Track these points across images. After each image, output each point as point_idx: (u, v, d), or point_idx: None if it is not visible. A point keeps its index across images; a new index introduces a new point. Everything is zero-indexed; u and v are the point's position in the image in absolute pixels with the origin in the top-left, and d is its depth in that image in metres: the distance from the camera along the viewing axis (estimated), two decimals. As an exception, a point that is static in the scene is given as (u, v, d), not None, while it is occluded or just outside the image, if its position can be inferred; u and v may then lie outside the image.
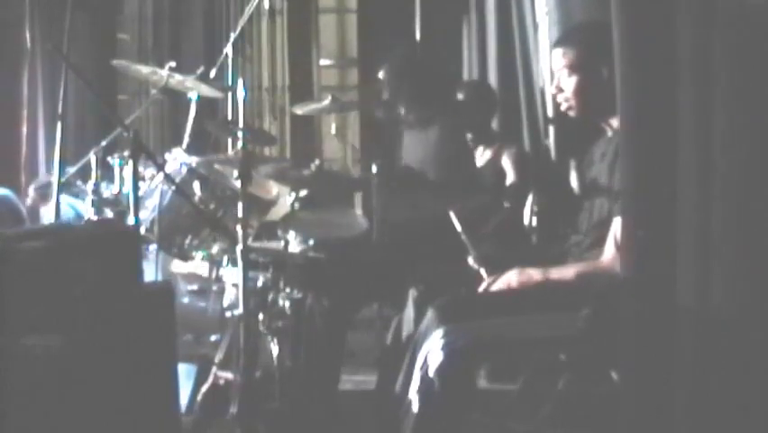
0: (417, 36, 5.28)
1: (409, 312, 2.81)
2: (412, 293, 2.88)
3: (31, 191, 4.47)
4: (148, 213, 3.24)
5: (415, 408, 2.33)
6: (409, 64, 3.57)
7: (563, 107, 2.57)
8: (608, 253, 2.38)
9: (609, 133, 2.52)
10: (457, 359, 2.30)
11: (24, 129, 5.18)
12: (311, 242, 3.09)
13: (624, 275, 2.13)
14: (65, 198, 3.64)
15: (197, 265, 3.51)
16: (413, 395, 2.34)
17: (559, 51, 2.54)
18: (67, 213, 3.83)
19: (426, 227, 3.17)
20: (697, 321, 1.97)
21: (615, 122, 2.46)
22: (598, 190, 2.49)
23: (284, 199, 3.35)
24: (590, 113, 2.53)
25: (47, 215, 3.86)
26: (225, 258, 3.21)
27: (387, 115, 3.53)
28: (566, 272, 2.46)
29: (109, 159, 3.44)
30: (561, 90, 2.53)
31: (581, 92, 2.49)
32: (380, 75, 3.53)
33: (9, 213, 4.23)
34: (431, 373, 2.30)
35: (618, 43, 2.12)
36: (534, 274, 2.47)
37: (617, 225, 2.33)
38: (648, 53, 2.06)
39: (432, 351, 2.32)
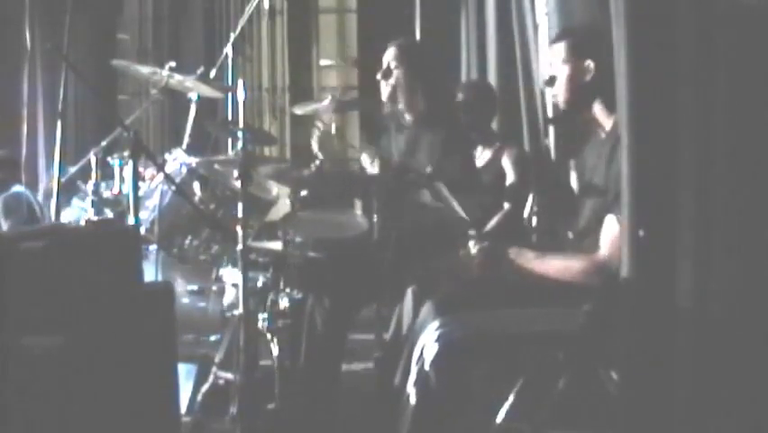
0: (417, 36, 5.27)
1: (408, 306, 2.82)
2: (411, 289, 2.88)
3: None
4: (148, 213, 3.24)
5: (412, 401, 2.34)
6: (426, 54, 3.43)
7: (553, 100, 2.67)
8: (604, 248, 2.39)
9: (603, 135, 2.54)
10: (452, 350, 2.32)
11: (24, 129, 5.18)
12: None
13: (624, 275, 2.13)
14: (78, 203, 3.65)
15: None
16: (410, 388, 2.36)
17: (552, 48, 2.66)
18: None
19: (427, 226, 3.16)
20: (696, 321, 1.98)
21: (608, 124, 2.49)
22: (594, 191, 2.51)
23: (284, 199, 3.34)
24: (575, 104, 2.59)
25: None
26: (225, 258, 3.21)
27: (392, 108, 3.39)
28: (560, 262, 2.48)
29: (109, 159, 3.44)
30: (553, 84, 2.62)
31: (567, 84, 2.57)
32: (391, 59, 3.33)
33: (26, 209, 4.29)
34: (427, 366, 2.31)
35: (619, 44, 2.12)
36: (529, 256, 2.50)
37: (610, 222, 2.35)
38: (649, 53, 2.07)
39: (427, 343, 2.34)
